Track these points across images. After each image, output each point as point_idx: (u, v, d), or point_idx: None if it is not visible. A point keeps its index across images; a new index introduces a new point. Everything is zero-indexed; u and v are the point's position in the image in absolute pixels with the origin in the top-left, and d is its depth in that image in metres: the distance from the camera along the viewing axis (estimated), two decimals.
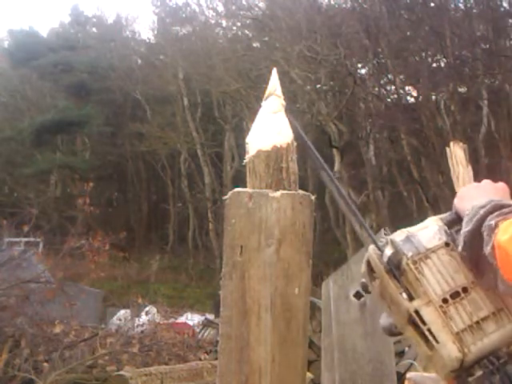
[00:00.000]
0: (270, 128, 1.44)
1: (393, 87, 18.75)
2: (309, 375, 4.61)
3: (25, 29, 31.47)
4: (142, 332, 7.57)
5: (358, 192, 18.46)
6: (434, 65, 18.62)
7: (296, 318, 1.30)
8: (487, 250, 0.96)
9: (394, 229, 1.12)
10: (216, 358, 4.89)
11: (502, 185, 1.13)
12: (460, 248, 1.03)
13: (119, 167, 29.11)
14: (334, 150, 18.58)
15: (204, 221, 25.62)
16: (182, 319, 11.04)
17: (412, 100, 18.84)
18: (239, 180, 18.59)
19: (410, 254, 1.05)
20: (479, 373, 0.99)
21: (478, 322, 1.01)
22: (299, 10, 18.96)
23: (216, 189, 24.64)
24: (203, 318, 11.73)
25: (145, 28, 57.61)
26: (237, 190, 1.36)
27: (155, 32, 29.70)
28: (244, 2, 22.19)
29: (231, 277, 1.30)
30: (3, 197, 25.57)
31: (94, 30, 32.98)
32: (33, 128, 25.67)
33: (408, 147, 17.72)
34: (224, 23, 25.19)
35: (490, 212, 0.99)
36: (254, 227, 1.31)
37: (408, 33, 18.08)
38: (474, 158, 12.44)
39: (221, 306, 1.33)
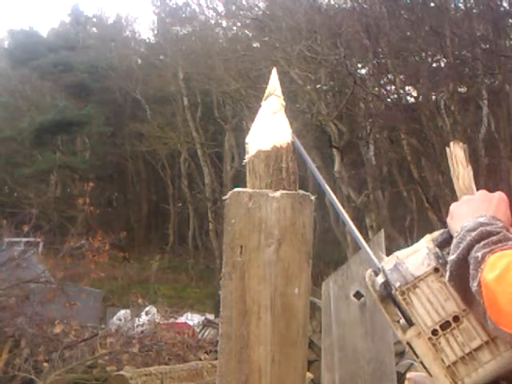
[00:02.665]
0: (270, 128, 1.45)
1: (393, 87, 18.73)
2: (309, 375, 4.61)
3: (25, 29, 31.47)
4: (142, 332, 7.56)
5: (357, 192, 18.45)
6: (434, 65, 18.61)
7: (296, 318, 1.30)
8: (473, 286, 0.90)
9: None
10: (216, 358, 4.89)
11: (498, 196, 1.03)
12: (447, 278, 0.97)
13: (119, 167, 29.11)
14: (334, 150, 18.57)
15: (204, 221, 25.61)
16: (181, 319, 11.04)
17: (412, 100, 18.84)
18: (239, 180, 18.60)
19: (397, 285, 1.00)
20: None
21: (470, 353, 0.96)
22: (299, 10, 18.95)
23: (216, 189, 24.63)
24: (203, 318, 11.74)
25: (145, 28, 57.62)
26: (237, 189, 1.36)
27: (155, 32, 29.72)
28: (244, 2, 22.17)
29: (231, 277, 1.30)
30: (3, 197, 25.56)
31: (94, 29, 32.98)
32: (33, 128, 25.66)
33: (408, 147, 17.72)
34: (224, 23, 25.19)
35: (477, 241, 0.92)
36: (254, 227, 1.31)
37: (408, 33, 18.06)
38: (473, 158, 12.44)
39: (221, 306, 1.33)
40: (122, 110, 28.02)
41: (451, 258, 0.95)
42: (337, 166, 18.27)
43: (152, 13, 37.51)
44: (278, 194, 1.36)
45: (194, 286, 21.70)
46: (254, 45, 22.68)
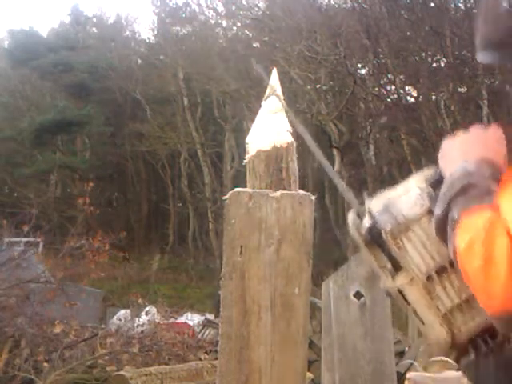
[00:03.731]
0: (270, 128, 1.44)
1: (393, 87, 18.73)
2: (309, 375, 4.61)
3: (25, 29, 31.45)
4: (142, 332, 7.56)
5: (358, 192, 18.45)
6: (434, 65, 18.61)
7: (296, 318, 1.30)
8: (450, 249, 0.84)
9: None
10: (216, 358, 4.89)
11: (492, 134, 0.94)
12: (434, 232, 0.89)
13: (119, 167, 29.10)
14: (334, 150, 18.57)
15: (204, 221, 25.60)
16: (181, 319, 11.03)
17: (412, 100, 18.84)
18: (239, 180, 18.59)
19: (388, 227, 0.91)
20: (471, 355, 0.88)
21: (468, 300, 0.88)
22: (299, 10, 18.95)
23: (216, 189, 24.62)
24: (203, 318, 11.73)
25: (145, 28, 57.58)
26: (237, 189, 1.36)
27: (155, 32, 29.70)
28: (244, 2, 22.17)
29: (231, 277, 1.30)
30: (3, 197, 25.56)
31: (94, 29, 32.96)
32: (33, 128, 25.65)
33: (408, 147, 17.72)
34: (224, 23, 25.19)
35: (458, 194, 0.85)
36: (254, 227, 1.31)
37: (408, 33, 18.07)
38: None
39: (221, 306, 1.32)
40: (122, 110, 28.02)
41: (436, 212, 0.88)
42: (337, 166, 18.27)
43: (152, 13, 37.49)
44: (278, 194, 1.36)
45: (194, 286, 21.69)
46: (254, 45, 22.68)
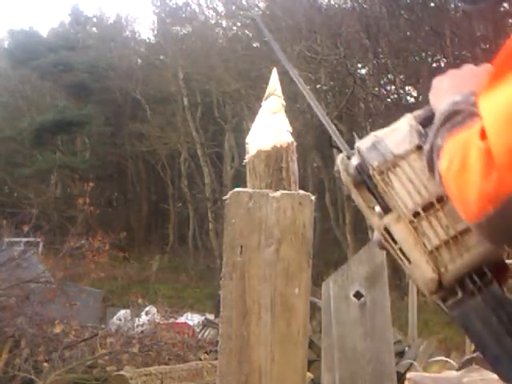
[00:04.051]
0: (270, 128, 1.45)
1: (393, 87, 18.75)
2: (309, 375, 4.61)
3: (25, 29, 31.44)
4: (142, 332, 7.56)
5: None
6: (434, 65, 18.63)
7: (296, 318, 1.30)
8: (436, 176, 0.82)
9: None
10: (216, 358, 4.89)
11: (485, 69, 0.90)
12: (426, 168, 0.87)
13: (119, 167, 29.11)
14: (334, 150, 18.58)
15: (204, 221, 25.61)
16: (181, 319, 11.03)
17: (412, 100, 18.85)
18: (239, 180, 18.59)
19: (375, 164, 0.89)
20: (459, 294, 0.85)
21: (455, 236, 0.85)
22: (299, 10, 18.96)
23: (216, 189, 24.63)
24: (203, 318, 11.73)
25: (145, 28, 57.58)
26: (237, 190, 1.36)
27: (155, 32, 29.71)
28: (244, 2, 22.19)
29: (231, 277, 1.30)
30: (3, 197, 25.58)
31: (94, 29, 32.96)
32: (33, 128, 25.66)
33: None
34: (224, 23, 25.21)
35: (443, 123, 0.83)
36: (254, 227, 1.31)
37: (408, 33, 18.08)
38: None
39: (221, 306, 1.33)
40: (122, 110, 28.03)
41: (425, 147, 0.86)
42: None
43: (152, 13, 37.50)
44: (278, 194, 1.36)
45: (194, 286, 21.69)
46: (254, 45, 22.70)
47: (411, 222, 0.86)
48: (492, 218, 0.71)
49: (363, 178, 0.91)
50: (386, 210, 0.89)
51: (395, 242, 0.88)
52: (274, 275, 1.31)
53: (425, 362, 6.25)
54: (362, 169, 0.91)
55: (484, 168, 0.70)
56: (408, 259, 0.87)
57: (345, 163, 0.93)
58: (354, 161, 0.92)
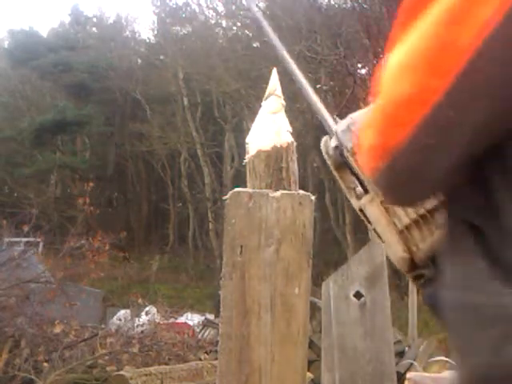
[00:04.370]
0: (270, 128, 1.45)
1: None
2: (309, 375, 4.61)
3: (25, 29, 31.45)
4: (142, 332, 7.56)
5: None
6: None
7: (296, 318, 1.30)
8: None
9: None
10: (216, 358, 4.89)
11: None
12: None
13: (119, 167, 29.11)
14: None
15: (204, 221, 25.62)
16: (181, 319, 11.03)
17: None
18: (239, 180, 18.59)
19: (349, 146, 0.90)
20: (431, 272, 0.84)
21: (425, 215, 0.85)
22: (299, 10, 18.96)
23: (216, 189, 24.63)
24: (203, 318, 11.73)
25: (145, 28, 57.56)
26: (237, 189, 1.36)
27: (155, 32, 29.73)
28: (244, 2, 22.16)
29: (231, 277, 1.30)
30: (3, 197, 25.57)
31: (94, 29, 32.96)
32: (33, 128, 25.66)
33: None
34: (224, 23, 25.21)
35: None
36: (254, 227, 1.31)
37: None
38: None
39: (221, 306, 1.33)
40: (122, 110, 28.04)
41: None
42: None
43: (152, 13, 37.50)
44: (278, 194, 1.36)
45: (194, 286, 21.69)
46: (254, 45, 22.70)
47: (382, 202, 0.86)
48: (383, 173, 0.71)
49: (344, 160, 0.92)
50: (366, 190, 0.89)
51: (370, 223, 0.89)
52: (274, 275, 1.31)
53: (425, 362, 6.25)
54: (338, 150, 0.92)
55: (377, 123, 0.70)
56: (382, 239, 0.87)
57: (326, 145, 0.94)
58: (333, 142, 0.93)
